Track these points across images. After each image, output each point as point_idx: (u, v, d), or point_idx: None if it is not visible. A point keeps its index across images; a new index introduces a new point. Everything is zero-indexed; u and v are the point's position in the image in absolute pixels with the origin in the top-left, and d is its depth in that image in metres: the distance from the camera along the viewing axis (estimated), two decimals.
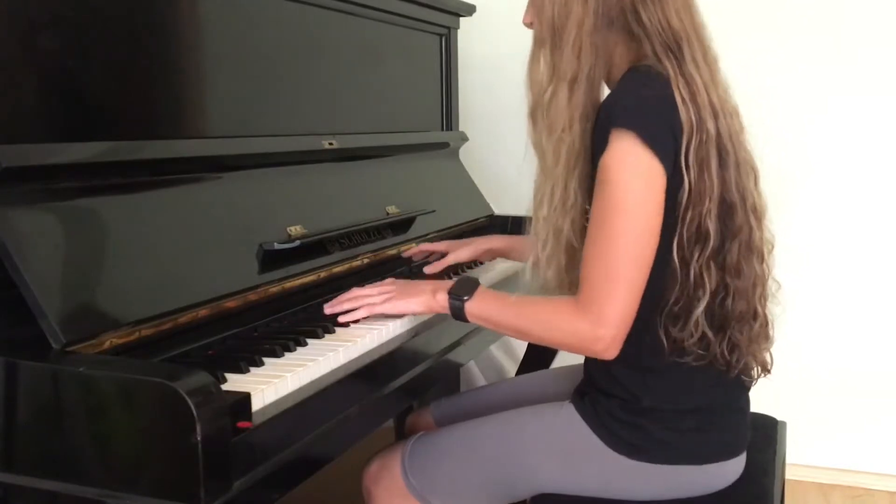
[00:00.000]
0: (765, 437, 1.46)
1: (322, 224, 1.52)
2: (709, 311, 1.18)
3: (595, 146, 1.17)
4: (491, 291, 1.28)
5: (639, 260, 1.13)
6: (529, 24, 1.27)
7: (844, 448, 2.45)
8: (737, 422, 1.29)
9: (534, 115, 1.25)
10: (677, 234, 1.15)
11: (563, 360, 1.81)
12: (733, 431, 1.28)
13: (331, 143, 1.67)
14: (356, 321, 1.32)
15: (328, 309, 1.34)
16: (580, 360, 1.37)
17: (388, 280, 1.39)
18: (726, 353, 1.21)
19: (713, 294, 1.17)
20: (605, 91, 1.24)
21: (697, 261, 1.15)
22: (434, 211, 1.87)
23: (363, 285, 1.39)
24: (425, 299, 1.30)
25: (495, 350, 2.66)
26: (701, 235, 1.15)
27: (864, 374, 2.41)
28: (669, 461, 1.23)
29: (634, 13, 1.17)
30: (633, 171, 1.12)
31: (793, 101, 2.31)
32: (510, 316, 1.24)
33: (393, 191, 1.83)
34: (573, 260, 1.23)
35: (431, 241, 1.79)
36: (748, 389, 1.31)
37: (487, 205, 2.20)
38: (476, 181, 2.21)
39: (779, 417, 1.56)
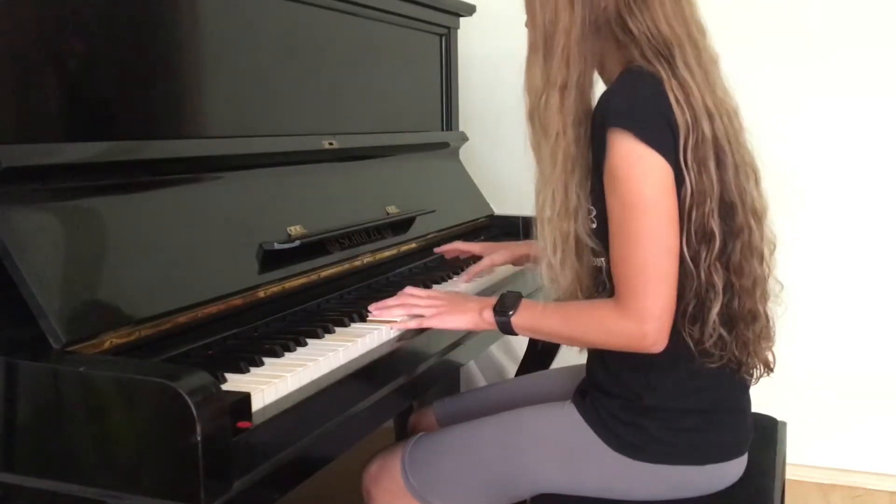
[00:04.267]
0: (765, 437, 1.46)
1: (322, 224, 1.52)
2: (721, 310, 1.18)
3: (595, 148, 1.18)
4: (534, 302, 1.28)
5: (666, 250, 1.14)
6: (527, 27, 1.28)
7: (844, 448, 2.45)
8: (738, 422, 1.29)
9: (531, 119, 1.26)
10: (685, 232, 1.15)
11: (564, 360, 1.81)
12: (734, 432, 1.28)
13: (331, 143, 1.67)
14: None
15: (373, 307, 1.36)
16: (582, 359, 1.37)
17: (435, 292, 1.40)
18: (737, 351, 1.22)
19: (723, 293, 1.18)
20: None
21: (706, 260, 1.16)
22: (434, 211, 1.87)
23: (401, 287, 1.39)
24: (472, 317, 1.31)
25: (495, 350, 2.66)
26: (706, 235, 1.16)
27: (864, 374, 2.41)
28: (670, 461, 1.23)
29: (620, 21, 1.18)
30: (641, 168, 1.12)
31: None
32: (556, 324, 1.25)
33: (393, 191, 1.83)
34: (586, 262, 1.24)
35: (430, 240, 1.78)
36: (748, 389, 1.31)
37: (487, 205, 2.20)
38: (476, 181, 2.21)
39: (779, 417, 1.56)
